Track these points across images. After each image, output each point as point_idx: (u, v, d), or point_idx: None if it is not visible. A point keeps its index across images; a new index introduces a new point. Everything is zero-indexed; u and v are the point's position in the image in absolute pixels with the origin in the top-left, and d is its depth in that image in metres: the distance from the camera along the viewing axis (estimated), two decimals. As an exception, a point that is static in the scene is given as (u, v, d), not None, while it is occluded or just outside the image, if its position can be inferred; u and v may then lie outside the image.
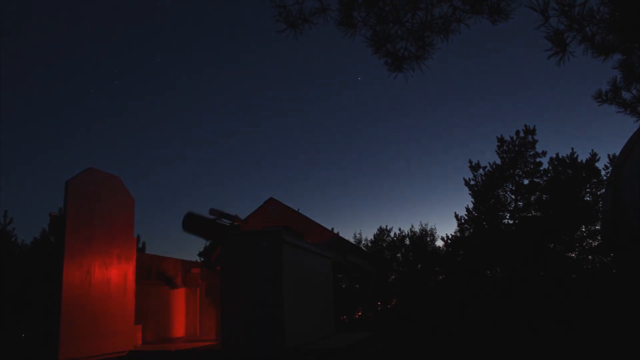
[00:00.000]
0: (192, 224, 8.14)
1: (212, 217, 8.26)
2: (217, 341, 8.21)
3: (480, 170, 17.55)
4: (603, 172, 16.56)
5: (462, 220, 17.76)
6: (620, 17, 3.68)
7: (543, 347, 11.36)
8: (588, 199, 16.59)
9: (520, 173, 17.03)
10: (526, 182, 16.98)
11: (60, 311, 6.25)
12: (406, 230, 20.39)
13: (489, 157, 24.03)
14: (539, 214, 16.61)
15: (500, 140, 17.33)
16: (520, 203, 16.95)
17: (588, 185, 16.65)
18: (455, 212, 18.10)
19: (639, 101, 4.68)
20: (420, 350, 11.76)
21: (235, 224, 8.44)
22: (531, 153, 16.93)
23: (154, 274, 8.66)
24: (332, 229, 16.78)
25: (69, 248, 6.47)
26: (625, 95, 4.70)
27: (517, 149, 17.04)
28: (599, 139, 24.38)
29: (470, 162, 17.81)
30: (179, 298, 9.55)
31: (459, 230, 17.92)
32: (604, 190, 15.85)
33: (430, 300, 16.30)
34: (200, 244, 8.69)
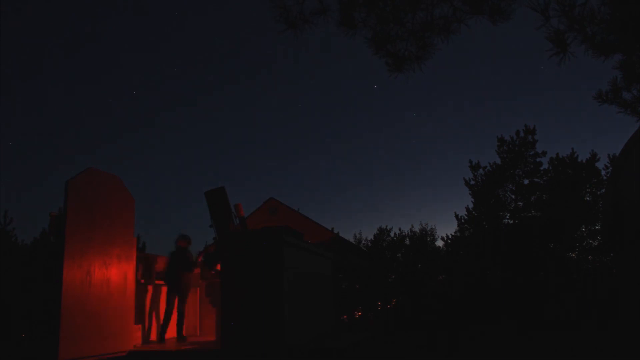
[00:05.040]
0: (217, 197, 8.14)
1: (233, 210, 8.28)
2: (217, 341, 8.21)
3: (480, 170, 17.55)
4: (603, 172, 16.57)
5: (462, 220, 17.76)
6: (620, 17, 3.68)
7: (544, 348, 11.36)
8: (588, 199, 16.59)
9: (520, 173, 17.02)
10: (526, 182, 16.99)
11: (60, 311, 6.25)
12: (406, 230, 20.42)
13: (489, 157, 24.05)
14: (539, 214, 16.61)
15: (500, 140, 17.33)
16: (521, 203, 16.95)
17: (588, 185, 16.65)
18: (455, 212, 18.11)
19: (639, 101, 4.68)
20: (420, 350, 11.76)
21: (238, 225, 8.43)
22: (531, 153, 16.93)
23: (154, 274, 8.66)
24: (332, 229, 16.82)
25: (69, 248, 6.47)
26: (626, 95, 4.70)
27: (517, 149, 17.03)
28: (599, 139, 24.44)
29: (470, 162, 17.82)
30: (179, 298, 9.53)
31: (459, 230, 17.93)
32: (604, 190, 15.86)
33: (430, 300, 16.31)
34: (200, 244, 8.69)
